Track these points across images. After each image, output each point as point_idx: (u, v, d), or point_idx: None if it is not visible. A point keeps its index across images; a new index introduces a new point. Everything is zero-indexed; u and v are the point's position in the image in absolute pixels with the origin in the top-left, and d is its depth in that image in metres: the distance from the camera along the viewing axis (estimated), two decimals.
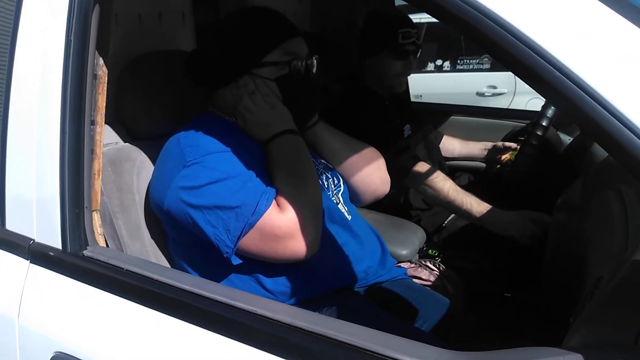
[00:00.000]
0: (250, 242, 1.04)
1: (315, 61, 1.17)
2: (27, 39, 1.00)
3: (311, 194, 1.09)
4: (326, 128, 1.33)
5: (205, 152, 1.07)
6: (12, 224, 1.06)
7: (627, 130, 0.59)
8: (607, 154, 1.19)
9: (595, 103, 0.60)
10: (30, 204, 1.02)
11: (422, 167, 1.69)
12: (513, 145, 2.04)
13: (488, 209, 1.56)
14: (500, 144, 2.11)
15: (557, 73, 0.60)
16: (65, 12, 0.95)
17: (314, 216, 1.07)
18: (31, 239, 1.03)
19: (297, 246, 1.05)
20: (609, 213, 1.01)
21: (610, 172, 1.15)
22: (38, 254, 1.01)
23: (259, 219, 1.03)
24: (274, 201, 1.05)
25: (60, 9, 0.96)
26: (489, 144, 2.14)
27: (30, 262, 1.02)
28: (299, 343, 0.75)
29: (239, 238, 1.03)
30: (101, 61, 1.04)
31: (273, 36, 1.16)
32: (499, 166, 2.10)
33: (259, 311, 0.79)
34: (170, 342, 0.86)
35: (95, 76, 1.02)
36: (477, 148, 2.18)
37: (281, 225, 1.03)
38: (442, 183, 1.64)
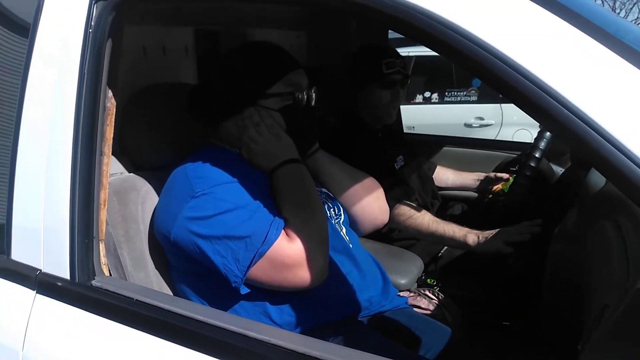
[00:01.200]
0: (260, 271, 1.05)
1: (314, 93, 1.21)
2: (40, 68, 1.02)
3: (318, 222, 1.11)
4: (326, 156, 1.35)
5: (213, 183, 1.09)
6: (18, 254, 1.06)
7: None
8: (602, 186, 1.23)
9: (598, 135, 0.63)
10: (38, 234, 1.03)
11: (398, 207, 1.74)
12: (505, 175, 2.08)
13: (469, 231, 1.62)
14: (492, 174, 2.16)
15: (565, 110, 0.63)
16: (79, 46, 0.98)
17: (321, 244, 1.09)
18: (38, 269, 1.03)
19: (306, 274, 1.06)
20: (607, 242, 1.04)
21: (605, 203, 1.18)
22: (45, 284, 1.01)
23: (269, 248, 1.04)
24: (283, 230, 1.07)
25: (74, 43, 0.98)
26: (482, 175, 2.19)
27: (37, 293, 1.02)
28: None
29: (248, 267, 1.04)
30: (110, 93, 1.06)
31: (277, 69, 1.19)
32: (490, 196, 2.14)
33: (273, 341, 0.80)
34: None
35: (104, 108, 1.04)
36: (470, 178, 2.23)
37: (291, 254, 1.05)
38: (422, 218, 1.69)
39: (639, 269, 0.84)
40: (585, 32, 0.66)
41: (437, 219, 1.68)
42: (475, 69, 0.69)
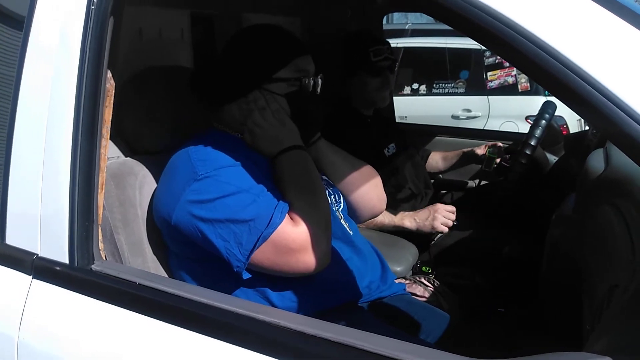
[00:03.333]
0: (263, 255, 1.04)
1: (320, 80, 1.20)
2: (39, 47, 0.99)
3: (322, 208, 1.10)
4: (328, 144, 1.34)
5: (217, 166, 1.07)
6: (13, 239, 1.03)
7: None
8: (601, 172, 1.24)
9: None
10: (34, 218, 1.00)
11: None
12: (481, 151, 2.08)
13: (404, 215, 1.76)
14: (470, 149, 2.19)
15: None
16: (81, 23, 0.95)
17: (325, 229, 1.08)
18: (34, 254, 1.00)
19: (310, 259, 1.05)
20: (609, 225, 1.05)
21: (605, 188, 1.19)
22: (42, 269, 0.98)
23: (273, 231, 1.03)
24: (287, 214, 1.05)
25: (76, 20, 0.95)
26: (461, 151, 2.22)
27: (34, 278, 0.99)
28: (325, 354, 0.75)
29: (251, 252, 1.03)
30: (109, 74, 1.03)
31: (285, 53, 1.18)
32: (478, 181, 2.16)
33: (282, 323, 0.79)
34: (187, 356, 0.84)
35: (104, 89, 1.01)
36: (455, 155, 2.25)
37: (295, 238, 1.04)
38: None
39: None
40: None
41: (389, 213, 1.72)
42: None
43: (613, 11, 0.67)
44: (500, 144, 2.05)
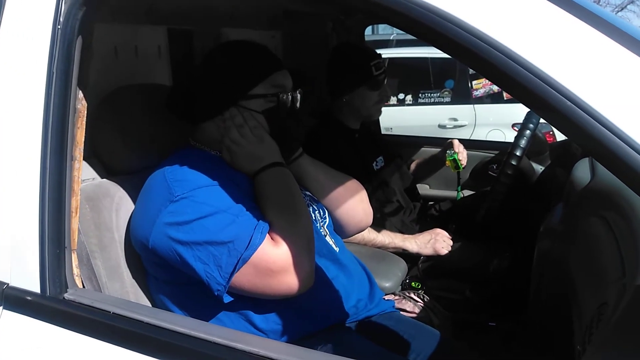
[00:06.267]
0: (244, 278, 1.00)
1: (299, 94, 1.18)
2: (3, 68, 0.95)
3: (304, 226, 1.07)
4: (310, 160, 1.32)
5: (193, 186, 1.04)
6: None
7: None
8: (587, 183, 1.23)
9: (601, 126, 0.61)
10: (4, 245, 0.96)
11: None
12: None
13: (405, 238, 1.76)
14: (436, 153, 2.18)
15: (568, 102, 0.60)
16: (47, 44, 0.91)
17: (308, 249, 1.05)
18: (5, 283, 0.96)
19: (292, 280, 1.01)
20: (597, 239, 1.03)
21: (592, 199, 1.18)
22: (13, 299, 0.94)
23: (253, 253, 0.99)
24: (267, 234, 1.02)
25: (41, 40, 0.92)
26: (429, 156, 2.22)
27: (4, 308, 0.95)
28: None
29: (231, 274, 0.99)
30: (80, 94, 1.00)
31: (261, 68, 1.15)
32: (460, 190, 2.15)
33: (262, 352, 0.75)
34: None
35: (74, 110, 0.98)
36: (424, 161, 2.26)
37: (276, 259, 1.00)
38: (367, 234, 1.71)
39: (634, 265, 0.82)
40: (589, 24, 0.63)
41: (373, 229, 1.72)
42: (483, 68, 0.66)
43: (587, 21, 0.65)
44: (455, 141, 2.05)
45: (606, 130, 0.59)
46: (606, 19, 0.64)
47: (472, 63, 0.66)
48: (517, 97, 0.66)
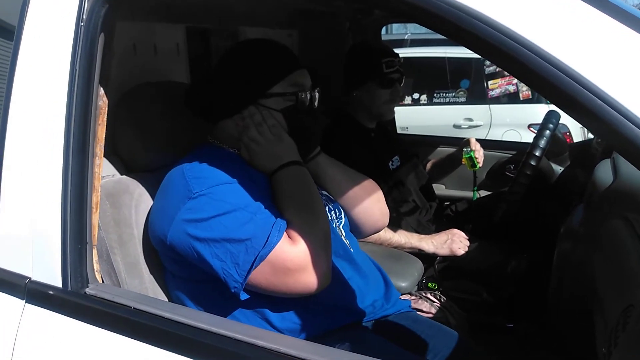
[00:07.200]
0: (261, 276, 1.00)
1: (317, 93, 1.18)
2: (28, 65, 0.96)
3: (322, 225, 1.07)
4: (328, 159, 1.31)
5: (212, 183, 1.04)
6: (5, 262, 1.00)
7: None
8: (609, 184, 1.21)
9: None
10: (27, 240, 0.97)
11: None
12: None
13: (421, 238, 1.76)
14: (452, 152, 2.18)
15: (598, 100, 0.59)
16: (70, 41, 0.92)
17: (325, 248, 1.05)
18: (27, 277, 0.97)
19: (309, 279, 1.01)
20: (620, 241, 1.02)
21: (614, 201, 1.16)
22: (35, 293, 0.95)
23: (270, 251, 0.99)
24: (285, 233, 1.02)
25: (64, 38, 0.93)
26: (446, 155, 2.21)
27: (26, 302, 0.96)
28: None
29: (248, 272, 0.99)
30: (102, 91, 1.01)
31: (280, 67, 1.15)
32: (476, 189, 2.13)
33: (283, 349, 0.75)
34: None
35: (96, 106, 0.98)
36: (440, 160, 2.25)
37: (294, 257, 1.00)
38: (383, 233, 1.71)
39: None
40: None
41: (389, 229, 1.71)
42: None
43: (612, 15, 0.63)
44: (472, 139, 2.03)
45: (638, 129, 0.58)
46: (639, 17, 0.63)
47: (501, 61, 0.66)
48: (546, 96, 0.65)
